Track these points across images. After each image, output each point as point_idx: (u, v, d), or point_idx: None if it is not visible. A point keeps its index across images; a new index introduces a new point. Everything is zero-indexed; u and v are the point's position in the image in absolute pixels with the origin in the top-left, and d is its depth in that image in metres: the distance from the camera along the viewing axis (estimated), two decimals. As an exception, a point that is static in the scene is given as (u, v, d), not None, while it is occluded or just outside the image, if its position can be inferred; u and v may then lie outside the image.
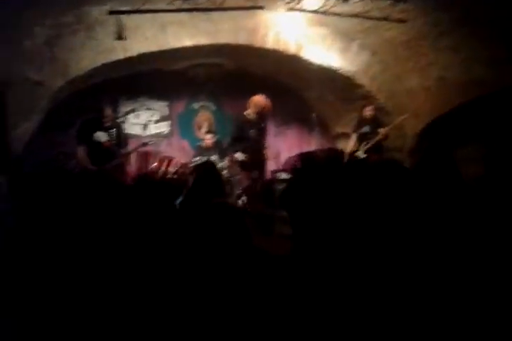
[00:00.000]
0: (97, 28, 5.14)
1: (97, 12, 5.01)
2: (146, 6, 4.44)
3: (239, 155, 5.43)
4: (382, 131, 6.22)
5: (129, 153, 5.45)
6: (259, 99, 5.35)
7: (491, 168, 3.04)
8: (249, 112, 5.41)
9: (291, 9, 4.65)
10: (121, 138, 5.39)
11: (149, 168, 5.59)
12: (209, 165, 4.01)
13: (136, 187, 2.58)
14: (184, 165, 5.46)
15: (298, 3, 4.57)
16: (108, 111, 5.27)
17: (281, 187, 5.17)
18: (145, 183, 2.58)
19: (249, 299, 1.69)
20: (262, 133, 5.55)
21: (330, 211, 1.99)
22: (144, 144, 5.76)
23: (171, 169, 5.15)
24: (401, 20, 5.24)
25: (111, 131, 5.29)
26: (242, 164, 5.47)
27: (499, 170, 2.79)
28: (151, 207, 2.35)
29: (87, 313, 1.87)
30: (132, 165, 5.83)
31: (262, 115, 5.42)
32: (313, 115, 6.63)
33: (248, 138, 5.39)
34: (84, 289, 1.98)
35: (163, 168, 5.29)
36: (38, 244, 2.44)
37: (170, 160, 5.42)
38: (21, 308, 1.90)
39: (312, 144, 7.30)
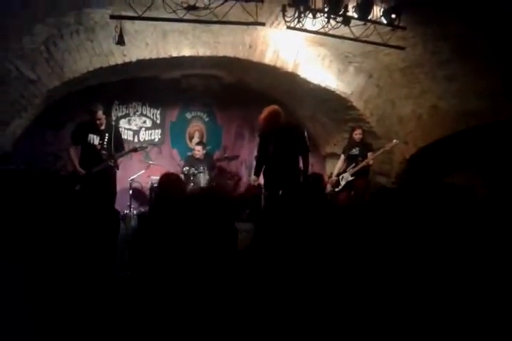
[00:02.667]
0: (97, 30, 5.12)
1: (98, 15, 5.00)
2: (149, 13, 4.44)
3: None
4: (370, 155, 6.27)
5: (117, 157, 5.42)
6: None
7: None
8: None
9: (292, 28, 4.68)
10: (116, 142, 5.37)
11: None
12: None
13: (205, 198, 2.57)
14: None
15: (299, 23, 4.60)
16: (100, 115, 5.29)
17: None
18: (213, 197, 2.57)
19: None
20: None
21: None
22: (135, 149, 5.77)
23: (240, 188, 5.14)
24: (400, 47, 5.31)
25: (104, 134, 5.30)
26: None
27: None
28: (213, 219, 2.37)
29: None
30: (121, 170, 5.79)
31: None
32: (305, 132, 6.65)
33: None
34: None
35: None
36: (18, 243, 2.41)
37: (239, 179, 5.40)
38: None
39: (301, 161, 7.31)
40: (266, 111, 5.10)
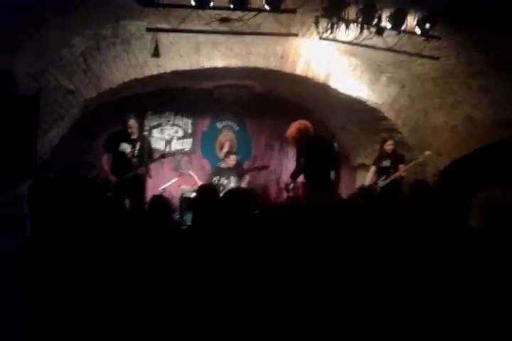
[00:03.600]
0: (133, 42, 5.26)
1: (135, 27, 5.14)
2: (183, 25, 4.54)
3: None
4: (402, 167, 6.16)
5: (146, 165, 5.54)
6: None
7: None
8: None
9: (324, 39, 4.70)
10: (146, 151, 5.50)
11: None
12: None
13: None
14: None
15: (331, 33, 4.62)
16: (133, 124, 5.44)
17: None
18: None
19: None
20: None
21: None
22: (162, 156, 5.90)
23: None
24: (434, 57, 5.25)
25: (136, 143, 5.44)
26: None
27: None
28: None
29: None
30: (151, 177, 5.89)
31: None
32: (335, 144, 6.62)
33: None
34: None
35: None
36: (53, 250, 2.46)
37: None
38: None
39: (331, 172, 7.26)
40: (293, 127, 5.16)
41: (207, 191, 3.14)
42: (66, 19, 4.66)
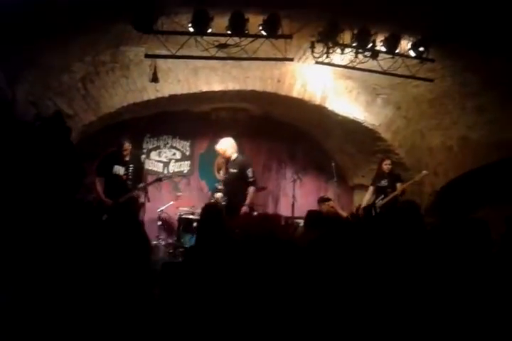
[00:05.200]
0: (132, 67, 5.35)
1: (133, 53, 5.24)
2: (181, 51, 4.61)
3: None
4: (399, 186, 6.19)
5: (142, 188, 5.53)
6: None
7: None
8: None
9: (320, 63, 4.78)
10: (139, 174, 5.52)
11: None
12: None
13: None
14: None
15: (327, 58, 4.70)
16: (127, 146, 5.47)
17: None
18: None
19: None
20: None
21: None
22: (159, 179, 5.90)
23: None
24: (428, 79, 5.33)
25: (129, 165, 5.45)
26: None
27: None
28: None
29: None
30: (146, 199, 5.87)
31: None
32: (333, 164, 6.67)
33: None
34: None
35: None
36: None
37: (296, 227, 5.46)
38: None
39: (329, 193, 7.29)
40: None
41: (211, 209, 3.15)
42: (66, 45, 4.74)
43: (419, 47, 4.78)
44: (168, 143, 7.21)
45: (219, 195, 5.91)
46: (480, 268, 2.37)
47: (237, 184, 5.78)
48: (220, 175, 7.29)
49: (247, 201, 5.73)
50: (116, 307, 2.31)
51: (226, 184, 5.93)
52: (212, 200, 6.62)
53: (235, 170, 5.81)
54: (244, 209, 5.66)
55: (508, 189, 5.97)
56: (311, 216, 3.77)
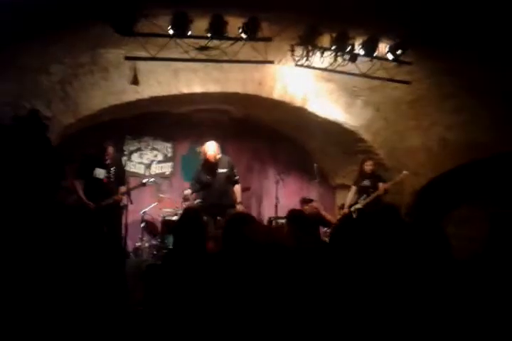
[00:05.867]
0: (111, 70, 5.30)
1: (113, 54, 5.19)
2: (162, 53, 4.60)
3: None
4: (381, 186, 6.27)
5: (125, 192, 5.48)
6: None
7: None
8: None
9: (300, 66, 4.81)
10: (121, 177, 5.47)
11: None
12: None
13: None
14: None
15: (307, 60, 4.74)
16: (110, 149, 5.40)
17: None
18: None
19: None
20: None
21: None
22: (143, 184, 5.84)
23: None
24: (405, 82, 5.41)
25: (111, 168, 5.39)
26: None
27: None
28: None
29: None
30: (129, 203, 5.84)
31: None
32: (315, 165, 6.73)
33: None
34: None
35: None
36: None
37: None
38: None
39: (311, 193, 7.35)
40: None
41: (190, 213, 3.15)
42: (44, 47, 4.69)
43: (396, 50, 4.86)
44: (149, 145, 7.18)
45: (187, 191, 5.88)
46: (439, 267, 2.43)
47: (225, 183, 5.80)
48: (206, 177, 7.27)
49: (239, 199, 5.83)
50: (90, 310, 2.31)
51: (214, 185, 5.89)
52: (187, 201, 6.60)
53: (224, 170, 5.81)
54: (240, 207, 5.75)
55: (484, 188, 6.10)
56: (294, 215, 3.80)
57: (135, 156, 7.05)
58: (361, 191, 6.44)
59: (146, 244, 6.51)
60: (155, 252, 6.34)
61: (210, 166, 5.83)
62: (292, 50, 4.64)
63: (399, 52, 4.89)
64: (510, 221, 2.87)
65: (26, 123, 4.30)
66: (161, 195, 6.78)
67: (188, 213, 3.25)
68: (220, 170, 5.85)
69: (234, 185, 5.91)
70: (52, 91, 5.11)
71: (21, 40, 4.33)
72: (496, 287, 2.29)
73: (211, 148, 5.80)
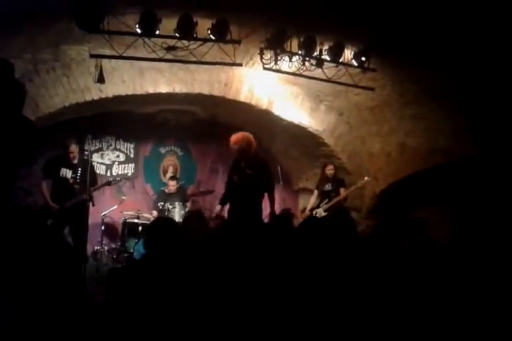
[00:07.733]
0: (74, 67, 5.16)
1: (76, 51, 5.05)
2: (128, 52, 4.51)
3: None
4: (343, 191, 6.38)
5: (91, 192, 5.33)
6: None
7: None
8: None
9: (269, 69, 4.85)
10: (89, 176, 5.29)
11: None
12: None
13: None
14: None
15: (275, 64, 4.78)
16: (74, 149, 5.25)
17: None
18: None
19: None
20: None
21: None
22: (107, 183, 5.72)
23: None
24: (369, 88, 5.55)
25: (77, 168, 5.24)
26: None
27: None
28: None
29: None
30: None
31: None
32: (278, 168, 6.77)
33: None
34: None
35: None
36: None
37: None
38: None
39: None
40: (240, 133, 4.75)
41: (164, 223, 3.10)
42: (3, 41, 4.51)
43: (361, 57, 4.98)
44: (111, 145, 7.03)
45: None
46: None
47: None
48: (166, 178, 7.15)
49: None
50: (46, 314, 2.24)
51: None
52: (159, 204, 6.52)
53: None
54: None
55: (441, 192, 6.33)
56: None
57: (96, 156, 6.86)
58: (323, 195, 6.53)
59: (106, 248, 6.37)
60: (115, 256, 6.21)
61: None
62: (261, 54, 4.67)
63: (363, 58, 5.02)
64: (470, 223, 2.99)
65: None
66: (123, 197, 6.65)
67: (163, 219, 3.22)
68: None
69: None
70: (11, 88, 4.90)
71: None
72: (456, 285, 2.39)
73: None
